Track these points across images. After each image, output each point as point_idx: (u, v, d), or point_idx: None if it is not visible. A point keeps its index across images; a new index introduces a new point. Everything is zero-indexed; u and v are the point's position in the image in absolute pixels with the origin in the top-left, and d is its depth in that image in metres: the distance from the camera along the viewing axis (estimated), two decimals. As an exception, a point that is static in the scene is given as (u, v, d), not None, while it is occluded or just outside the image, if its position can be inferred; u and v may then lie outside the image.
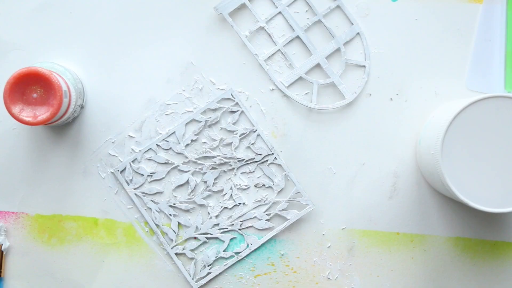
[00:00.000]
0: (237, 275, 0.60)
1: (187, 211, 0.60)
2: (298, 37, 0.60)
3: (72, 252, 0.60)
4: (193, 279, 0.60)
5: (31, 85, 0.54)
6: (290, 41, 0.60)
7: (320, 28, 0.60)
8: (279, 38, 0.60)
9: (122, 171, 0.60)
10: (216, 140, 0.60)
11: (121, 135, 0.60)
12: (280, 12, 0.60)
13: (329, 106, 0.60)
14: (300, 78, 0.60)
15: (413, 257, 0.60)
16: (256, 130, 0.60)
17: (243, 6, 0.60)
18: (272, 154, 0.60)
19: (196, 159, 0.60)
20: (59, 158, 0.60)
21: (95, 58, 0.60)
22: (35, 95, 0.54)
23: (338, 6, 0.60)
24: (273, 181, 0.60)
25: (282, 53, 0.60)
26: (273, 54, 0.60)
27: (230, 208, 0.60)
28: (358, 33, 0.60)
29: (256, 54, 0.60)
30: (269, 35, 0.60)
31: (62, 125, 0.60)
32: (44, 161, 0.60)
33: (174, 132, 0.60)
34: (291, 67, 0.60)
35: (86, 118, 0.60)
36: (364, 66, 0.60)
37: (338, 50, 0.60)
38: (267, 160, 0.60)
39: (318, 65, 0.60)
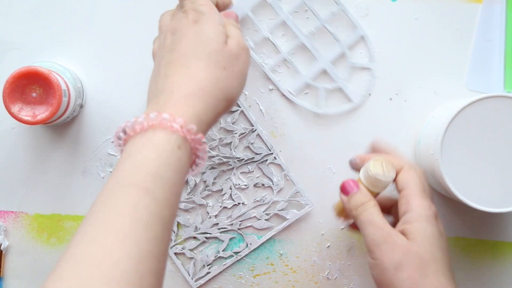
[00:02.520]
0: (236, 274, 0.60)
1: (186, 210, 0.60)
2: (302, 43, 0.59)
3: (72, 251, 0.60)
4: (192, 278, 0.60)
5: (31, 85, 0.54)
6: (294, 48, 0.59)
7: (323, 33, 0.59)
8: (282, 44, 0.59)
9: (122, 171, 0.60)
10: (216, 139, 0.60)
11: (120, 134, 0.60)
12: (283, 20, 0.59)
13: (337, 111, 0.59)
14: (305, 83, 0.59)
15: (412, 257, 0.60)
16: (255, 130, 0.60)
17: (246, 17, 0.59)
18: (272, 153, 0.60)
19: (195, 158, 0.60)
20: (59, 158, 0.60)
21: (95, 58, 0.60)
22: (34, 94, 0.54)
23: (341, 10, 0.59)
24: (272, 181, 0.60)
25: (287, 61, 0.59)
26: (278, 64, 0.59)
27: (230, 208, 0.60)
28: (362, 37, 0.59)
29: (263, 64, 0.59)
30: (274, 44, 0.59)
31: (62, 125, 0.60)
32: (43, 160, 0.60)
33: (174, 131, 0.60)
34: (296, 73, 0.59)
35: (85, 117, 0.60)
36: (369, 69, 0.59)
37: (342, 54, 0.59)
38: (267, 160, 0.60)
39: (322, 70, 0.59)
